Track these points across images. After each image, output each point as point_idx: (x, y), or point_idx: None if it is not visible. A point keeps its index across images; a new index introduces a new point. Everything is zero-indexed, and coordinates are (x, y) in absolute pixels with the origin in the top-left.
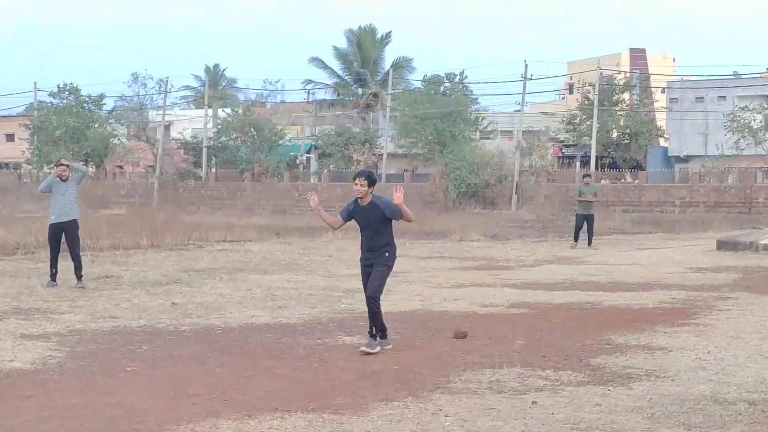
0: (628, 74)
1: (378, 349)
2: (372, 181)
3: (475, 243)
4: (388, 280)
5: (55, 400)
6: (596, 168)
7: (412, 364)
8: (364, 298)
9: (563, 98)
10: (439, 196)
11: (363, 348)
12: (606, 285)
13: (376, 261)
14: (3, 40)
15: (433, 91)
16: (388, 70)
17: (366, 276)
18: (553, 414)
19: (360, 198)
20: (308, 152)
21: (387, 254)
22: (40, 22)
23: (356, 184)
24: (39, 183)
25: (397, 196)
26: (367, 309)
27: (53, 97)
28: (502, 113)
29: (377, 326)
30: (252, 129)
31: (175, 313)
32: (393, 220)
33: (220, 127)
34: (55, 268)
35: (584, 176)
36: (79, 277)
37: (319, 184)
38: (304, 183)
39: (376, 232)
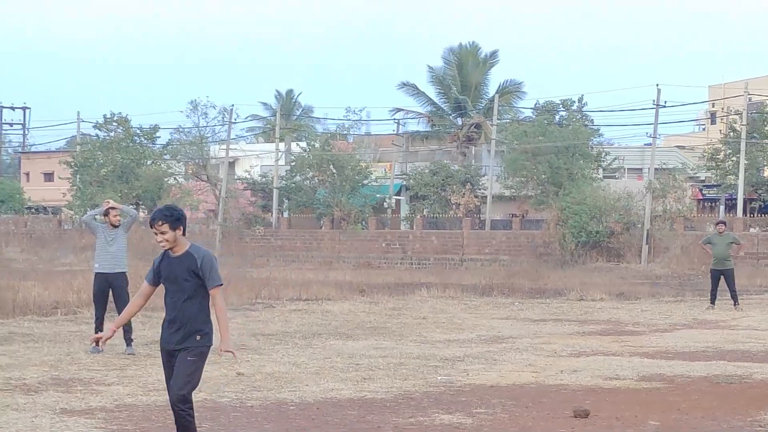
0: None
1: None
2: (176, 219)
3: (597, 303)
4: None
5: None
6: (744, 213)
7: None
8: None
9: (704, 129)
10: (554, 247)
11: None
12: (757, 354)
13: (183, 347)
14: (41, 63)
15: (546, 122)
16: (494, 96)
17: (169, 367)
18: None
19: (170, 249)
20: (398, 194)
21: (199, 337)
22: (82, 43)
23: (156, 233)
24: (83, 225)
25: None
26: (174, 418)
27: (99, 130)
28: (630, 147)
29: None
30: (332, 166)
31: (241, 386)
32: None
33: (293, 164)
34: (101, 330)
35: (717, 224)
36: (128, 341)
37: (411, 233)
38: (392, 230)
39: (189, 297)
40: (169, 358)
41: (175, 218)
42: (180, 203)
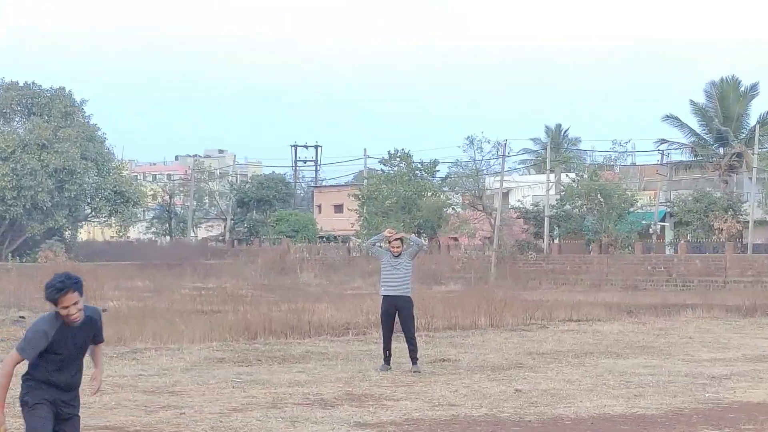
0: None
1: None
2: (81, 284)
3: None
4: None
5: None
6: None
7: None
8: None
9: None
10: None
11: None
12: None
13: (74, 411)
14: (328, 104)
15: None
16: (754, 127)
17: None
18: None
19: (74, 318)
20: (662, 220)
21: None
22: (366, 83)
23: (64, 307)
24: (365, 249)
25: None
26: None
27: (384, 165)
28: None
29: None
30: (599, 195)
31: (519, 401)
32: None
33: (563, 193)
34: (389, 350)
35: None
36: (414, 360)
37: (675, 256)
38: (657, 254)
39: (79, 368)
40: (60, 416)
41: (80, 283)
42: (458, 231)
